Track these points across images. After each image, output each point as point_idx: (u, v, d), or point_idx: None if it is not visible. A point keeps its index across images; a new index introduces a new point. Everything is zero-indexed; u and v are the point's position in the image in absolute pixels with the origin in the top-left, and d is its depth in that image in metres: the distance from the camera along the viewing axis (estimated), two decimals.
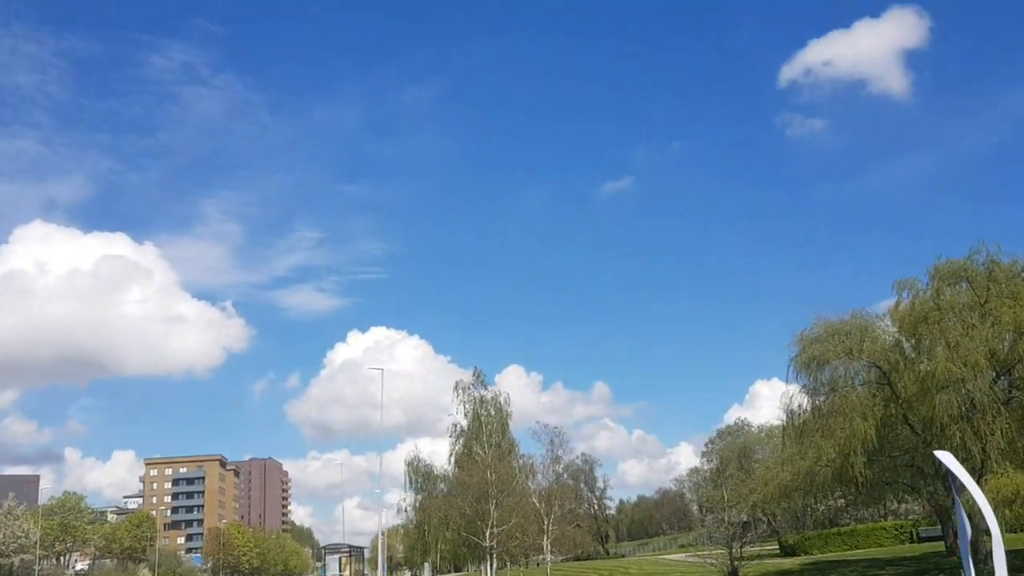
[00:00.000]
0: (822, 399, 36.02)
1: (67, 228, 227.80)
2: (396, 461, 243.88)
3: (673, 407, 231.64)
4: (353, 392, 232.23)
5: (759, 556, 52.57)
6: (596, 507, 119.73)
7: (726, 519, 49.52)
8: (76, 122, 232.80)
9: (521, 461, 57.20)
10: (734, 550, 50.71)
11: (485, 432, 57.66)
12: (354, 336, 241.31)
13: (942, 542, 55.23)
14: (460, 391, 58.98)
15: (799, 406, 37.63)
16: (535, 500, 52.73)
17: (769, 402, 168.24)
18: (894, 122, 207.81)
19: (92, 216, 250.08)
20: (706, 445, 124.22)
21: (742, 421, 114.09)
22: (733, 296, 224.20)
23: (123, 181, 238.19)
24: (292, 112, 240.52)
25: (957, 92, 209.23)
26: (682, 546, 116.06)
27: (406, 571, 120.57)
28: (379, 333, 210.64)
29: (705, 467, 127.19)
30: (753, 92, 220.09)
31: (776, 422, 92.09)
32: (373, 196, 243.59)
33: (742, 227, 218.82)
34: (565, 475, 57.70)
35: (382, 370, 55.87)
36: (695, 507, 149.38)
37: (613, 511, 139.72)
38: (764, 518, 53.05)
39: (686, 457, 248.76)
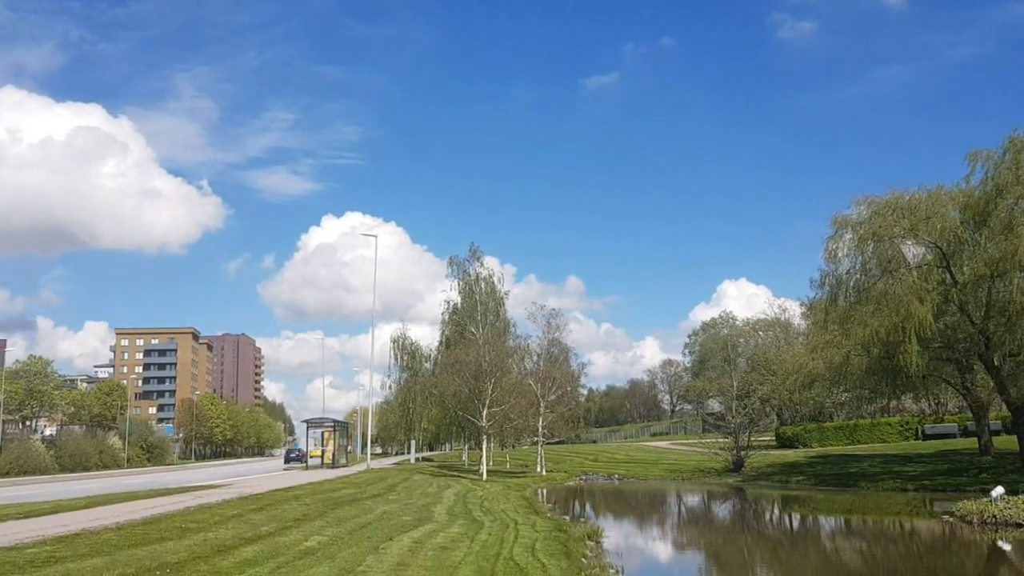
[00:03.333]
0: (872, 279, 32.56)
1: (39, 96, 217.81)
2: (368, 345, 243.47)
3: (642, 302, 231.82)
4: (327, 275, 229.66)
5: (754, 447, 50.44)
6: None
7: (733, 408, 46.85)
8: None
9: (516, 342, 53.99)
10: (741, 440, 48.60)
11: (480, 311, 54.18)
12: (329, 221, 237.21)
13: (953, 439, 53.82)
14: (455, 266, 55.29)
15: (843, 286, 34.20)
16: (531, 382, 49.74)
17: (735, 301, 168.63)
18: (883, 29, 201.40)
19: (63, 85, 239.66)
20: (689, 337, 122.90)
21: (727, 314, 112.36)
22: (708, 195, 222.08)
23: (94, 51, 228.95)
24: None
25: (948, 1, 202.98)
26: (654, 434, 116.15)
27: (376, 448, 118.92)
28: (354, 219, 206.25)
29: (685, 359, 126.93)
30: None
31: (761, 316, 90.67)
32: (350, 80, 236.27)
33: (724, 128, 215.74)
34: (561, 358, 54.33)
35: (376, 236, 51.69)
36: (667, 397, 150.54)
37: (583, 399, 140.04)
38: (771, 409, 50.53)
39: (651, 351, 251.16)
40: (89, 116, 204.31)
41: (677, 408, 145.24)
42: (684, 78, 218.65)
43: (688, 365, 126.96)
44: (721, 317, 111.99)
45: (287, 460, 52.74)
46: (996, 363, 31.60)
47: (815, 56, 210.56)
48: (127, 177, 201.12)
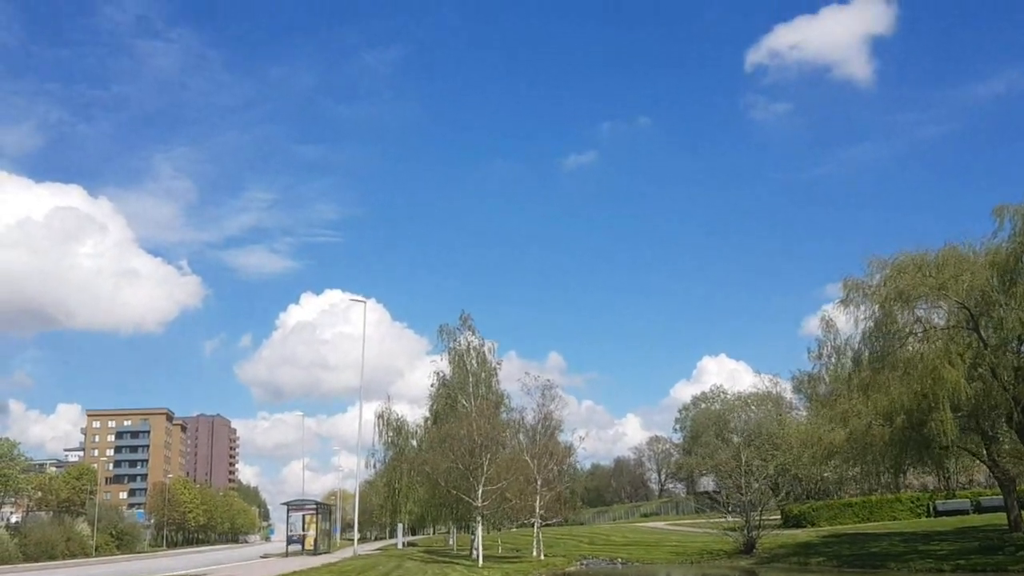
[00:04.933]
0: (897, 342, 30.72)
1: (18, 177, 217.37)
2: (347, 424, 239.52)
3: (622, 379, 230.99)
4: (305, 353, 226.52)
5: (763, 527, 47.81)
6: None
7: (743, 484, 44.36)
8: (25, 70, 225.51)
9: (510, 415, 51.50)
10: (751, 519, 45.94)
11: (471, 382, 51.75)
12: (308, 298, 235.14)
13: (967, 515, 51.45)
14: (444, 336, 52.90)
15: (861, 351, 32.35)
16: (527, 458, 47.07)
17: (715, 377, 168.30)
18: (855, 109, 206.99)
19: (41, 166, 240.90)
20: (679, 412, 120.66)
21: (718, 387, 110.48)
22: (685, 272, 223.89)
23: (73, 132, 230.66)
24: (248, 70, 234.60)
25: (918, 81, 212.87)
26: (644, 514, 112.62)
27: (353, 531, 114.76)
28: (334, 296, 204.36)
29: (676, 435, 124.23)
30: (719, 73, 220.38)
31: (752, 389, 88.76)
32: (329, 159, 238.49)
33: (699, 206, 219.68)
34: (555, 432, 51.78)
35: (364, 301, 49.52)
36: (654, 475, 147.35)
37: (578, 476, 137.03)
38: (782, 485, 48.10)
39: (633, 428, 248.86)
40: (68, 196, 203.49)
41: (666, 487, 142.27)
42: (661, 157, 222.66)
43: (678, 442, 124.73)
44: (712, 391, 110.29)
45: (290, 543, 49.21)
46: None
47: (788, 136, 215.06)
48: (105, 257, 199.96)
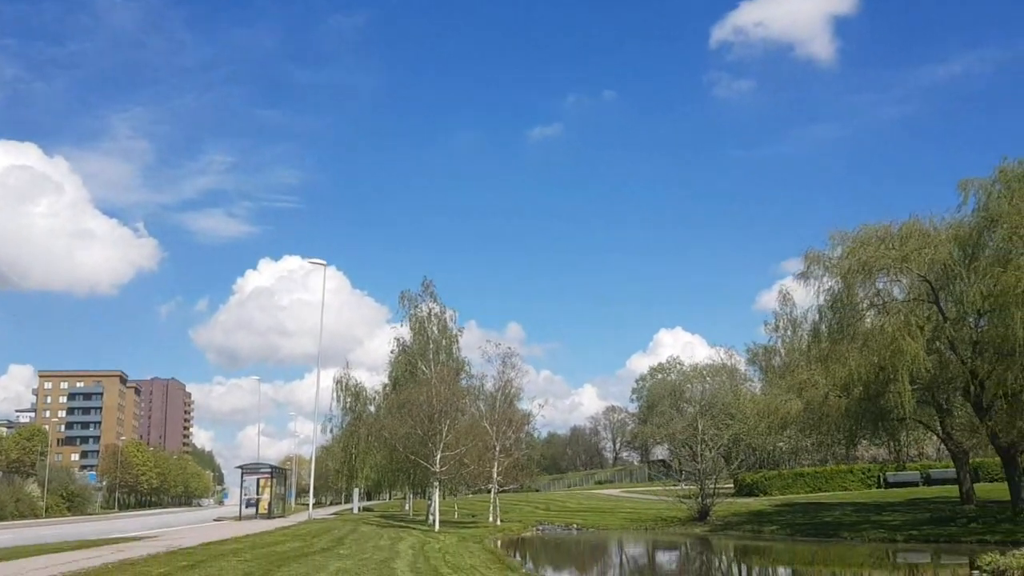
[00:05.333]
0: (861, 313, 30.81)
1: None
2: (303, 391, 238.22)
3: (580, 350, 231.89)
4: (263, 319, 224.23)
5: (717, 495, 48.23)
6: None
7: (698, 453, 44.57)
8: None
9: (470, 382, 51.26)
10: (705, 488, 46.25)
11: (432, 348, 51.30)
12: (266, 264, 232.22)
13: (916, 487, 52.44)
14: (406, 302, 52.28)
15: (820, 323, 32.42)
16: (486, 424, 46.87)
17: (671, 350, 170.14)
18: (817, 88, 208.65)
19: None
20: (636, 382, 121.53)
21: (674, 359, 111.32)
22: (644, 245, 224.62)
23: (30, 90, 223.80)
24: (209, 31, 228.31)
25: (879, 62, 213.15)
26: (599, 482, 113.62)
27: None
28: (292, 262, 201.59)
29: (632, 404, 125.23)
30: (685, 49, 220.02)
31: (708, 361, 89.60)
32: (290, 124, 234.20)
33: (661, 180, 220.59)
34: (515, 400, 51.61)
35: (324, 265, 48.59)
36: (609, 444, 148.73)
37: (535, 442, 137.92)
38: (736, 455, 48.37)
39: (589, 398, 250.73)
40: (24, 155, 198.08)
41: (620, 455, 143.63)
42: (625, 131, 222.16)
43: (634, 411, 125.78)
44: (668, 362, 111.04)
45: (247, 506, 48.38)
46: (985, 404, 29.95)
47: (750, 113, 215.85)
48: (60, 217, 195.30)
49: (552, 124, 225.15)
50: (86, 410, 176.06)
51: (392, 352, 54.19)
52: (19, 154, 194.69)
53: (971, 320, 29.51)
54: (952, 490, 40.89)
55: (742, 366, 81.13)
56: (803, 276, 35.42)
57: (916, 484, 53.39)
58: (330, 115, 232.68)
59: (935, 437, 55.27)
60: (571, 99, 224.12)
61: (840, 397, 33.06)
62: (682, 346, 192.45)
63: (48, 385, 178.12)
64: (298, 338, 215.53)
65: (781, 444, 53.93)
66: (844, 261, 30.04)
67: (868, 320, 31.62)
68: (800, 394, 35.03)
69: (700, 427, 45.30)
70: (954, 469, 52.40)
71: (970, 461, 39.53)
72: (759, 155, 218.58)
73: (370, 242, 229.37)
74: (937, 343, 29.79)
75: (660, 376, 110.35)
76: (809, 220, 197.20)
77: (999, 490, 35.89)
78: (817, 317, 33.61)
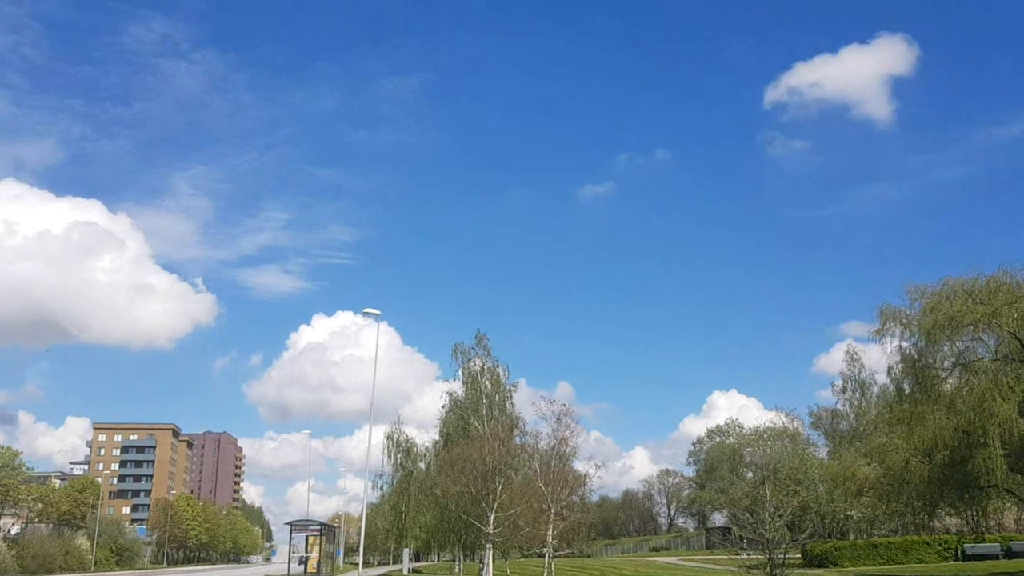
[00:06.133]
0: (945, 373, 28.92)
1: (39, 190, 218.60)
2: (353, 447, 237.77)
3: (631, 412, 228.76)
4: (315, 374, 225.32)
5: (788, 565, 45.65)
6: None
7: (768, 519, 42.22)
8: (49, 86, 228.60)
9: (524, 440, 49.71)
10: (775, 557, 43.76)
11: (485, 404, 50.03)
12: (319, 319, 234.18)
13: (996, 560, 49.22)
14: (459, 355, 51.26)
15: (901, 383, 30.52)
16: (541, 484, 45.16)
17: (725, 412, 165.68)
18: (873, 148, 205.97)
19: (61, 180, 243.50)
20: (693, 445, 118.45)
21: (733, 421, 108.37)
22: (697, 305, 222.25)
23: (94, 148, 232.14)
24: (270, 93, 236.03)
25: (936, 123, 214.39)
26: (653, 548, 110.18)
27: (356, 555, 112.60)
28: (345, 318, 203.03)
29: (690, 468, 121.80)
30: (738, 109, 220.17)
31: (769, 424, 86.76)
32: (346, 182, 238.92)
33: (713, 240, 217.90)
34: (571, 459, 49.84)
35: (378, 314, 47.75)
36: (663, 510, 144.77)
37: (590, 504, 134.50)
38: (805, 523, 45.93)
39: (641, 461, 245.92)
40: (88, 211, 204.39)
41: (675, 521, 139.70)
42: (677, 190, 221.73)
43: (691, 475, 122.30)
44: (727, 424, 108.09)
45: (300, 563, 47.32)
46: None
47: (805, 173, 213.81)
48: (121, 272, 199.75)
49: (604, 183, 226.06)
50: (139, 463, 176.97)
51: (443, 407, 53.10)
52: (84, 210, 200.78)
53: None
54: None
55: (804, 430, 78.31)
56: (879, 333, 33.62)
57: (996, 557, 50.19)
58: (385, 174, 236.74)
59: (1014, 508, 52.32)
60: (623, 158, 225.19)
61: (922, 463, 30.98)
62: (737, 409, 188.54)
63: (102, 437, 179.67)
64: (348, 393, 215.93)
65: (852, 513, 51.19)
66: (927, 316, 28.27)
67: (951, 381, 29.69)
68: (879, 459, 32.93)
69: (768, 492, 42.97)
70: None
71: None
72: (815, 215, 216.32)
73: (421, 299, 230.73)
74: None
75: (718, 439, 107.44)
76: (866, 282, 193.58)
77: None
78: (898, 377, 31.66)
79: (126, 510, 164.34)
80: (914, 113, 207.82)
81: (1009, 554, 50.64)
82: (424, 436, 63.00)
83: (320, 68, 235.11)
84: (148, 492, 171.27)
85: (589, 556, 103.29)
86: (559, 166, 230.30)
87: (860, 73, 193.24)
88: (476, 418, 49.25)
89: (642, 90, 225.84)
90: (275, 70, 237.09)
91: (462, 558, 61.78)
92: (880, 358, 35.79)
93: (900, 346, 31.17)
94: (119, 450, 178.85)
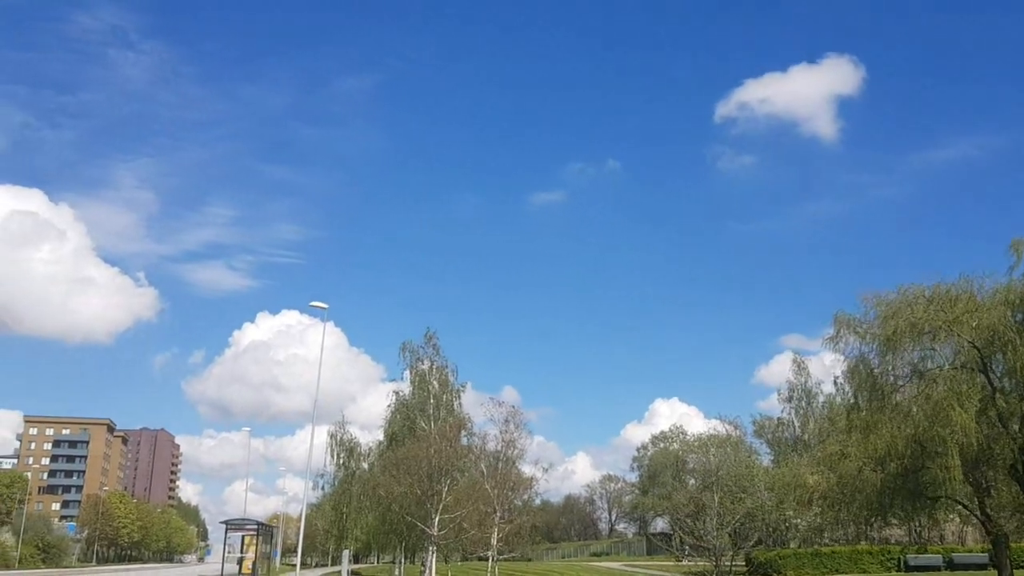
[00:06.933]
0: (902, 382, 28.60)
1: None
2: (294, 448, 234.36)
3: (575, 417, 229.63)
4: (257, 373, 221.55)
5: (731, 572, 45.46)
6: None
7: (713, 527, 41.93)
8: None
9: (471, 441, 48.68)
10: (720, 565, 43.52)
11: (432, 404, 48.91)
12: (264, 318, 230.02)
13: (938, 571, 49.44)
14: (407, 353, 50.09)
15: (859, 391, 30.12)
16: (487, 487, 44.17)
17: (667, 420, 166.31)
18: (818, 165, 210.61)
19: (1, 169, 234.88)
20: (637, 451, 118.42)
21: (678, 428, 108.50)
22: (642, 314, 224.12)
23: (38, 137, 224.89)
24: (220, 87, 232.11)
25: (879, 143, 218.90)
26: (594, 553, 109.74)
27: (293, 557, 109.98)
28: (291, 317, 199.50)
29: (633, 473, 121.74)
30: (689, 122, 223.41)
31: (711, 432, 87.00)
32: (294, 181, 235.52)
33: (661, 250, 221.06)
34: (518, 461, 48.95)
35: (326, 307, 46.11)
36: (605, 515, 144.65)
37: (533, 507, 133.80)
38: (751, 531, 45.67)
39: (583, 467, 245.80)
40: (29, 200, 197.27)
41: (616, 527, 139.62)
42: (627, 200, 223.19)
43: (634, 481, 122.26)
44: (671, 431, 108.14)
45: (238, 562, 45.57)
46: None
47: (751, 187, 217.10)
48: (61, 264, 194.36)
49: (554, 191, 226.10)
50: (71, 458, 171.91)
51: (389, 406, 51.89)
52: (24, 199, 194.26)
53: (1022, 390, 27.28)
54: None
55: (747, 438, 78.67)
56: (832, 341, 33.23)
57: (938, 568, 50.38)
58: (335, 173, 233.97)
59: (957, 519, 52.63)
60: (574, 167, 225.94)
61: (874, 471, 30.65)
62: (678, 417, 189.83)
63: (33, 431, 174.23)
64: (292, 393, 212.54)
65: (798, 521, 51.07)
66: (889, 322, 27.84)
67: (907, 389, 29.40)
68: (831, 467, 32.58)
69: (716, 499, 42.67)
70: (978, 553, 49.75)
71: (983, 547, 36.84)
72: (758, 229, 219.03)
73: (368, 300, 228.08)
74: (987, 415, 27.50)
75: (662, 445, 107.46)
76: (807, 296, 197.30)
77: None
78: (855, 384, 31.28)
79: (56, 506, 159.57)
80: (858, 132, 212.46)
81: (951, 566, 50.85)
82: (368, 437, 61.67)
83: (272, 64, 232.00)
84: (80, 488, 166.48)
85: (531, 560, 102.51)
86: (511, 172, 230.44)
87: (808, 92, 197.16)
88: (423, 418, 48.17)
89: (595, 100, 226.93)
90: (226, 64, 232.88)
91: (403, 560, 60.48)
92: (824, 368, 35.68)
93: (859, 352, 30.79)
94: (50, 444, 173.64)
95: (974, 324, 27.33)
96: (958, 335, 26.82)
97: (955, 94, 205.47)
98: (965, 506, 34.02)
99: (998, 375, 28.48)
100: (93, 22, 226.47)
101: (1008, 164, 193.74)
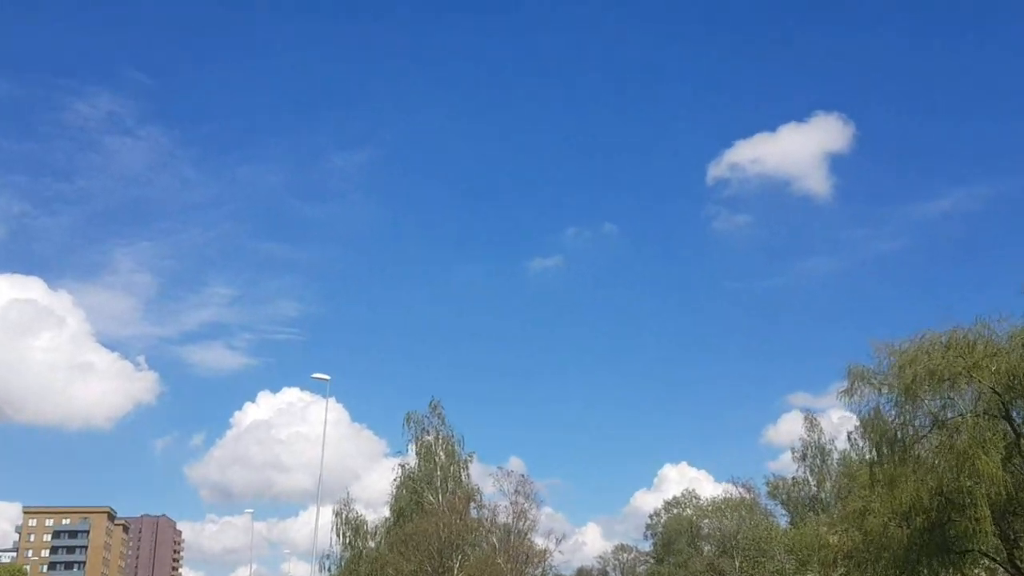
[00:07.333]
0: (924, 431, 27.79)
1: None
2: (298, 529, 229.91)
3: (582, 486, 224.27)
4: (259, 453, 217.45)
5: None
6: None
7: None
8: None
9: (481, 513, 47.48)
10: None
11: (439, 476, 47.85)
12: (265, 396, 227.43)
13: None
14: (412, 424, 49.24)
15: (885, 443, 29.24)
16: (500, 561, 42.89)
17: (677, 485, 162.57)
18: (812, 222, 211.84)
19: (1, 258, 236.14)
20: (650, 518, 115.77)
21: (690, 492, 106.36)
22: (646, 379, 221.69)
23: (36, 225, 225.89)
24: (216, 169, 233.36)
25: (871, 198, 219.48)
26: None
27: None
28: (291, 394, 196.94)
29: (647, 541, 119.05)
30: (683, 184, 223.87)
31: (724, 495, 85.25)
32: (292, 257, 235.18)
33: (661, 312, 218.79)
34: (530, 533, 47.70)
35: (328, 379, 45.31)
36: None
37: None
38: None
39: (593, 537, 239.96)
40: (28, 289, 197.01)
41: None
42: (625, 264, 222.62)
43: (648, 550, 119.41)
44: (684, 496, 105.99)
45: None
46: None
47: (748, 246, 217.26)
48: (60, 351, 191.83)
49: (552, 256, 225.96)
50: (71, 548, 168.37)
51: (395, 480, 50.72)
52: (23, 288, 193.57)
53: None
54: None
55: (761, 500, 77.10)
56: (847, 393, 32.52)
57: None
58: (333, 249, 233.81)
59: (983, 574, 51.09)
60: (571, 231, 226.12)
61: (900, 527, 29.61)
62: (688, 481, 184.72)
63: (32, 522, 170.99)
64: (294, 473, 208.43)
65: None
66: (906, 370, 27.16)
67: (928, 440, 28.58)
68: (856, 524, 31.54)
69: (737, 564, 41.39)
70: None
71: None
72: (757, 287, 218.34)
73: (369, 375, 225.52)
74: (1012, 462, 26.68)
75: (675, 511, 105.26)
76: (811, 353, 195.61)
77: None
78: (874, 439, 30.44)
79: None
80: (851, 188, 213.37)
81: None
82: (373, 515, 60.22)
83: (266, 143, 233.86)
84: None
85: None
86: (508, 240, 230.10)
87: (799, 150, 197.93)
88: (430, 491, 47.08)
89: (589, 165, 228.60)
90: (221, 146, 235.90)
91: None
92: (833, 426, 34.77)
93: (875, 404, 30.07)
94: (50, 535, 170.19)
95: (994, 368, 26.66)
96: (979, 381, 26.11)
97: (945, 145, 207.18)
98: (994, 558, 32.84)
99: (1019, 421, 27.75)
100: (91, 110, 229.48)
101: (1002, 212, 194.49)
